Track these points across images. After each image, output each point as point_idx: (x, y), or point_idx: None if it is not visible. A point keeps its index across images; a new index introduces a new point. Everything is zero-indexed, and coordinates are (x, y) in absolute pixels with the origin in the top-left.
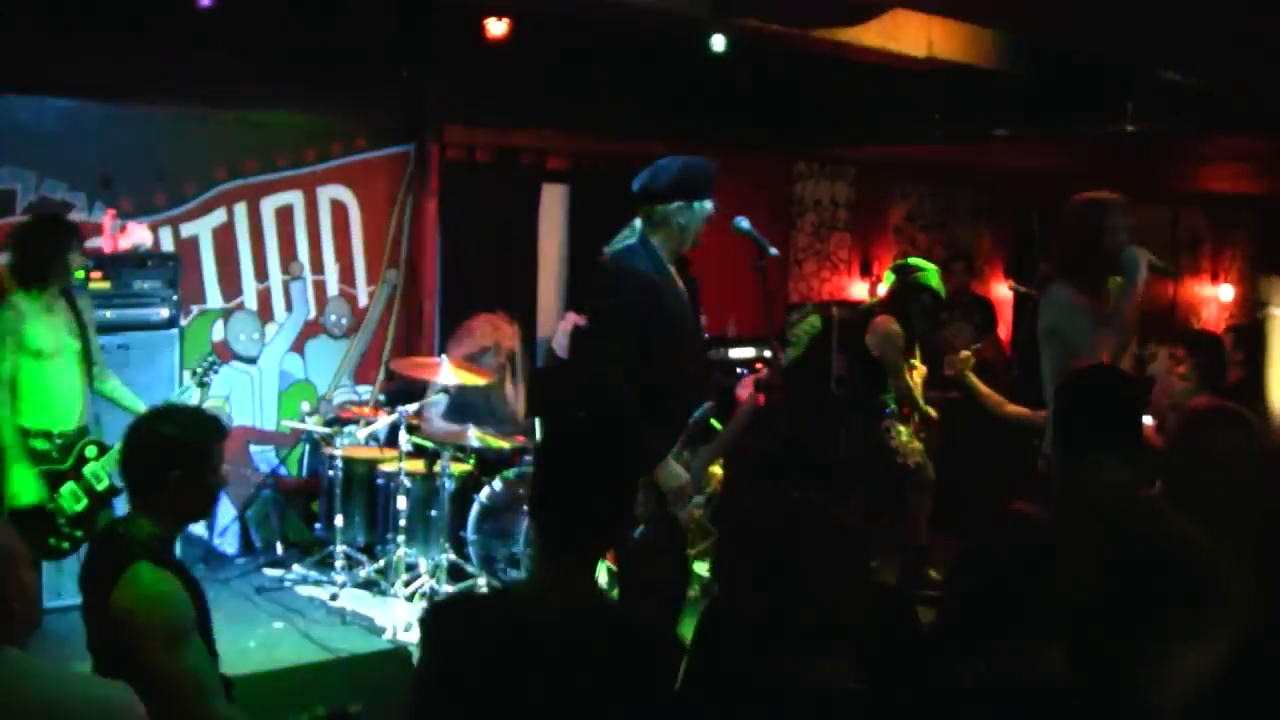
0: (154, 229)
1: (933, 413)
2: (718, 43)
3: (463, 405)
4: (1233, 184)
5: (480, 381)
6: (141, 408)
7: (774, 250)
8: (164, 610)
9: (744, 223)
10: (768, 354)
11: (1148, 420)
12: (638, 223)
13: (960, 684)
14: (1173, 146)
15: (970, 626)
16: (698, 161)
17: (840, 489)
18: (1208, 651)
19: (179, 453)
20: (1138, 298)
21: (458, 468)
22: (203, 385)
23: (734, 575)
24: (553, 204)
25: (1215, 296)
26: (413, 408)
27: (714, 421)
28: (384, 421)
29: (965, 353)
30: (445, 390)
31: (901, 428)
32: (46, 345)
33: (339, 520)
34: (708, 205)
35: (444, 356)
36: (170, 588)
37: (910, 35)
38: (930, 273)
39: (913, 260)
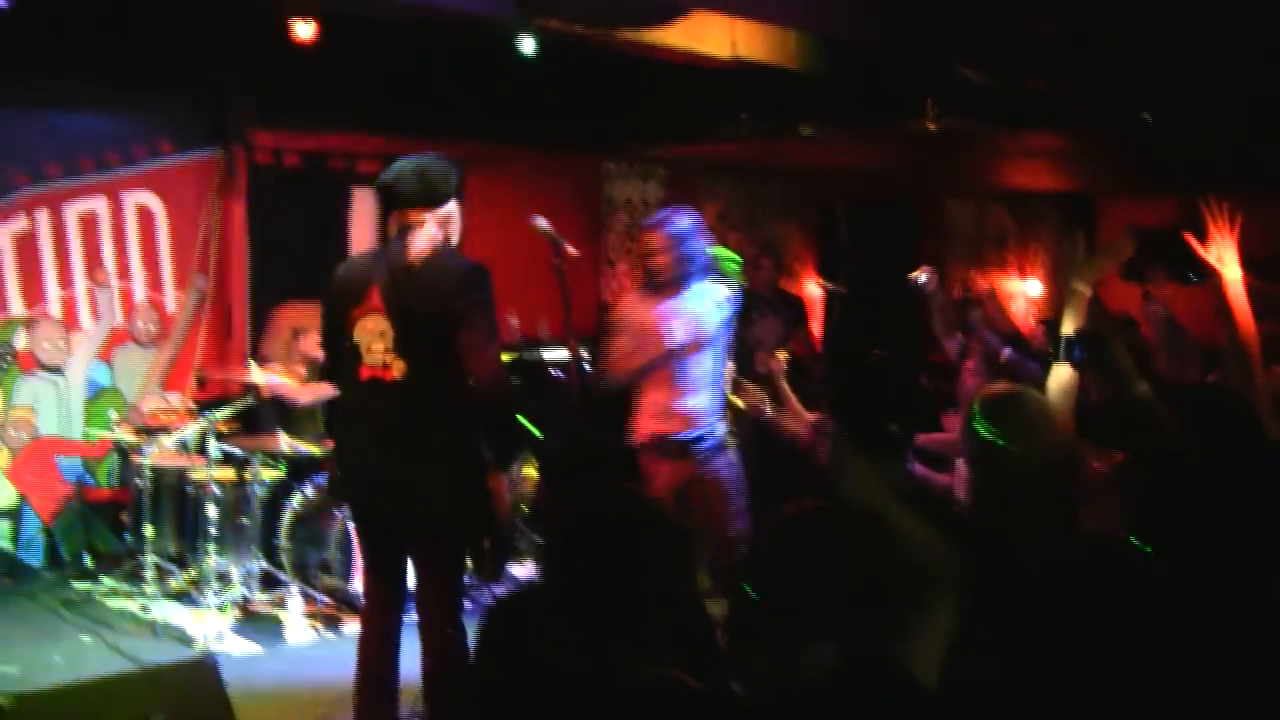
0: None
1: (741, 404)
2: (527, 45)
3: (277, 408)
4: (1035, 180)
5: (293, 383)
6: None
7: (572, 249)
8: None
9: (541, 222)
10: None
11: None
12: (432, 226)
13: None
14: (975, 143)
15: (752, 623)
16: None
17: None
18: (936, 625)
19: None
20: None
21: (268, 474)
22: None
23: (564, 570)
24: (364, 208)
25: (1024, 291)
26: (223, 414)
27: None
28: (193, 429)
29: (782, 354)
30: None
31: None
32: None
33: (149, 530)
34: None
35: (253, 361)
36: None
37: (714, 36)
38: (728, 262)
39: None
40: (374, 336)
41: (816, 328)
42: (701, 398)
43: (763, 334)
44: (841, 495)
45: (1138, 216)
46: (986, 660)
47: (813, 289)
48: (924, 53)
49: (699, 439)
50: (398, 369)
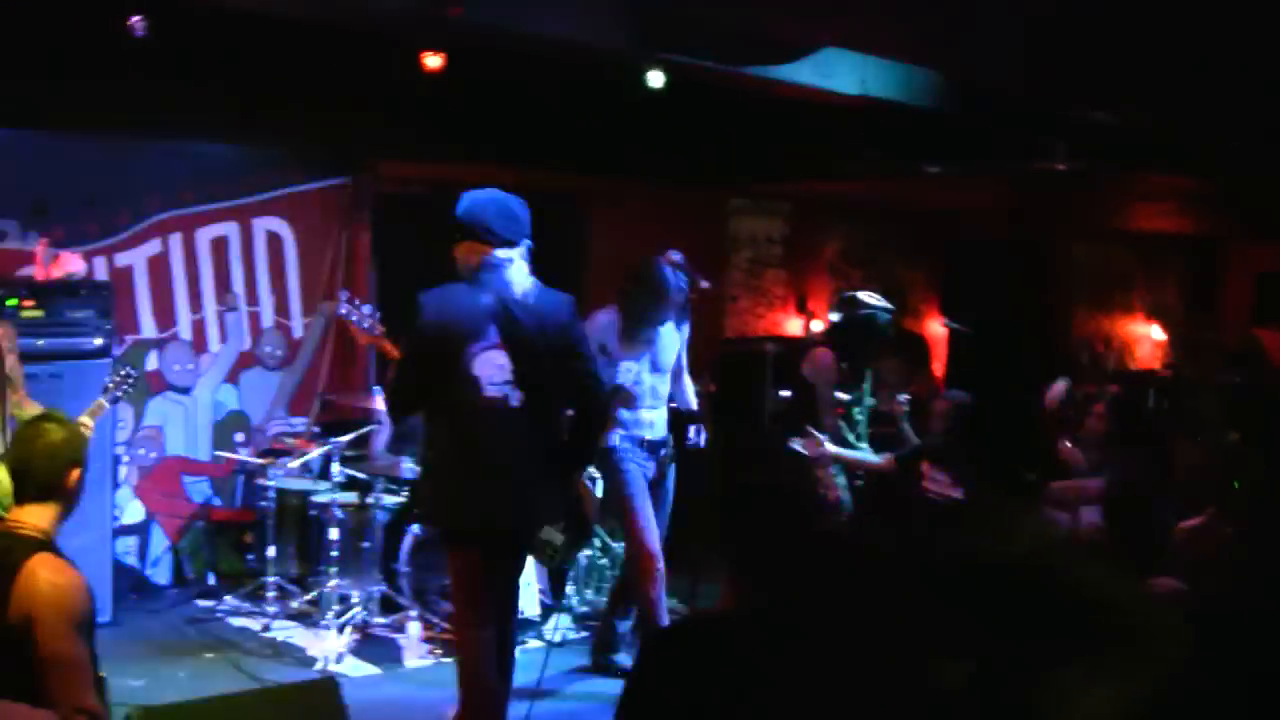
0: (88, 258)
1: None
2: (656, 79)
3: (404, 434)
4: (1163, 223)
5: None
6: None
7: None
8: (74, 595)
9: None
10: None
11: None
12: (523, 262)
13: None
14: (1103, 184)
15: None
16: None
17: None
18: (1114, 693)
19: (79, 452)
20: None
21: (391, 498)
22: (116, 400)
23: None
24: None
25: (1149, 335)
26: (346, 439)
27: None
28: (317, 452)
29: (903, 397)
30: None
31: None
32: None
33: (272, 551)
34: None
35: (377, 388)
36: (79, 576)
37: (843, 74)
38: (879, 313)
39: (862, 295)
40: (494, 369)
41: (939, 368)
42: (661, 412)
43: (885, 374)
44: (1001, 548)
45: (1264, 261)
46: None
47: (936, 328)
48: (1053, 92)
49: (665, 442)
50: (515, 397)
